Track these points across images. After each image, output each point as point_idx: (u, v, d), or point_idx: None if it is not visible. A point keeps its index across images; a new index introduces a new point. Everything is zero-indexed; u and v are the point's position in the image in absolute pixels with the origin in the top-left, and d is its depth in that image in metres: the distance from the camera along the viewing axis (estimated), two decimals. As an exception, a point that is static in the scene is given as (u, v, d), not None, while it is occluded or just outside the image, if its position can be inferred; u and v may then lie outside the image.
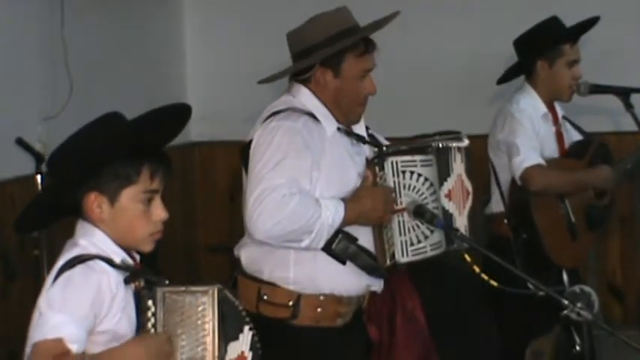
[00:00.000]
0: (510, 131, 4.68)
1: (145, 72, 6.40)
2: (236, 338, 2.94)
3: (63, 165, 2.92)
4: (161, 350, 2.80)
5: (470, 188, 3.87)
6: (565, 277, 4.67)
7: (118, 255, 2.90)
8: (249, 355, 2.96)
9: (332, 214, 3.53)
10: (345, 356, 3.73)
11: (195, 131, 6.86)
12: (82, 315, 2.76)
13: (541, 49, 4.77)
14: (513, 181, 4.70)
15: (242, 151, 3.67)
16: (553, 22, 4.85)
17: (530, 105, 4.77)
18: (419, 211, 3.63)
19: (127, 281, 2.86)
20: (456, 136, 3.87)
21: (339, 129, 3.68)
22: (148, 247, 2.95)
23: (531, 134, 4.67)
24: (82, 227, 2.94)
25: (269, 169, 3.51)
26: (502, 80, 5.00)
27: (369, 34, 3.70)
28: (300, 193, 3.50)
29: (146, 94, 6.34)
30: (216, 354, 2.84)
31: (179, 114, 3.05)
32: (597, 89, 4.87)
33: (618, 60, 6.02)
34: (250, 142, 3.64)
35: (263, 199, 3.47)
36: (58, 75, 5.51)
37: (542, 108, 4.80)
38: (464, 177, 3.85)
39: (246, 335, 2.97)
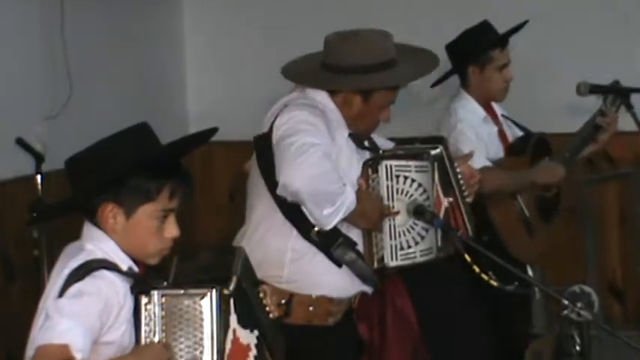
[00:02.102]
0: (454, 142, 4.70)
1: (144, 72, 6.40)
2: (228, 326, 2.92)
3: (86, 171, 2.90)
4: (159, 358, 2.80)
5: (444, 199, 3.87)
6: (530, 272, 4.68)
7: (125, 263, 2.89)
8: (238, 328, 2.95)
9: (352, 196, 3.55)
10: (338, 354, 3.75)
11: (195, 131, 6.86)
12: (90, 325, 2.74)
13: (471, 56, 4.83)
14: None
15: (257, 140, 3.67)
16: (482, 28, 4.91)
17: (468, 112, 4.82)
18: (419, 211, 3.63)
19: (132, 290, 2.86)
20: (419, 153, 3.81)
21: (350, 135, 3.71)
22: (154, 261, 2.95)
23: (474, 141, 4.71)
24: (89, 231, 2.93)
25: (305, 133, 3.52)
26: (436, 83, 5.01)
27: (408, 83, 3.76)
28: (331, 161, 3.53)
29: (146, 95, 6.35)
30: (215, 357, 2.84)
31: (207, 137, 3.16)
32: (597, 89, 4.88)
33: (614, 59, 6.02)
34: (267, 132, 3.62)
35: (306, 150, 3.46)
36: (58, 75, 5.51)
37: (481, 112, 4.86)
38: (439, 189, 3.86)
39: (231, 307, 2.95)
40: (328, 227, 3.56)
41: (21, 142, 5.10)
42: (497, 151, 4.83)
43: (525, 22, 4.97)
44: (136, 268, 2.91)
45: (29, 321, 2.85)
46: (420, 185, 3.69)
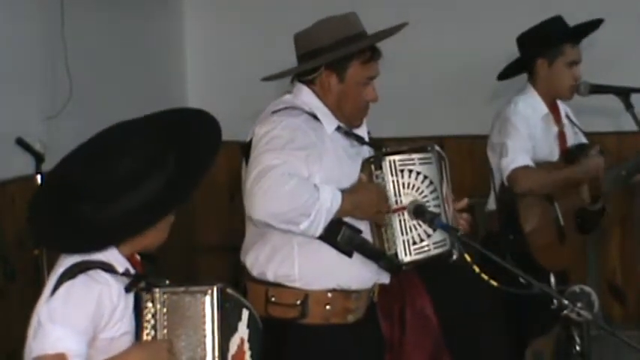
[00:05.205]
0: (504, 134, 4.66)
1: (145, 72, 6.40)
2: (235, 330, 2.94)
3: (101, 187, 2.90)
4: (158, 357, 2.80)
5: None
6: (552, 279, 4.64)
7: (122, 265, 2.88)
8: (246, 340, 2.96)
9: (330, 198, 3.50)
10: (358, 353, 3.71)
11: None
12: (82, 329, 2.75)
13: (541, 48, 4.74)
14: (502, 181, 4.69)
15: (243, 148, 3.67)
16: (556, 22, 4.83)
17: (529, 106, 4.74)
18: (418, 211, 3.62)
19: (127, 289, 2.85)
20: (422, 146, 3.78)
21: (338, 128, 3.69)
22: None
23: (524, 136, 4.65)
24: None
25: (268, 153, 3.50)
26: (503, 76, 4.97)
27: (376, 42, 3.71)
28: (298, 176, 3.50)
29: (146, 94, 6.34)
30: (217, 354, 2.84)
31: None
32: (597, 89, 4.85)
33: (619, 60, 6.02)
34: (252, 140, 3.64)
35: (262, 176, 3.44)
36: (58, 75, 5.51)
37: (543, 109, 4.78)
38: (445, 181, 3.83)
39: (244, 320, 2.96)
40: (316, 236, 3.54)
41: (21, 142, 5.10)
42: (552, 152, 4.76)
43: (601, 21, 4.88)
44: (132, 271, 2.90)
45: (29, 321, 2.84)
46: (425, 177, 3.68)
